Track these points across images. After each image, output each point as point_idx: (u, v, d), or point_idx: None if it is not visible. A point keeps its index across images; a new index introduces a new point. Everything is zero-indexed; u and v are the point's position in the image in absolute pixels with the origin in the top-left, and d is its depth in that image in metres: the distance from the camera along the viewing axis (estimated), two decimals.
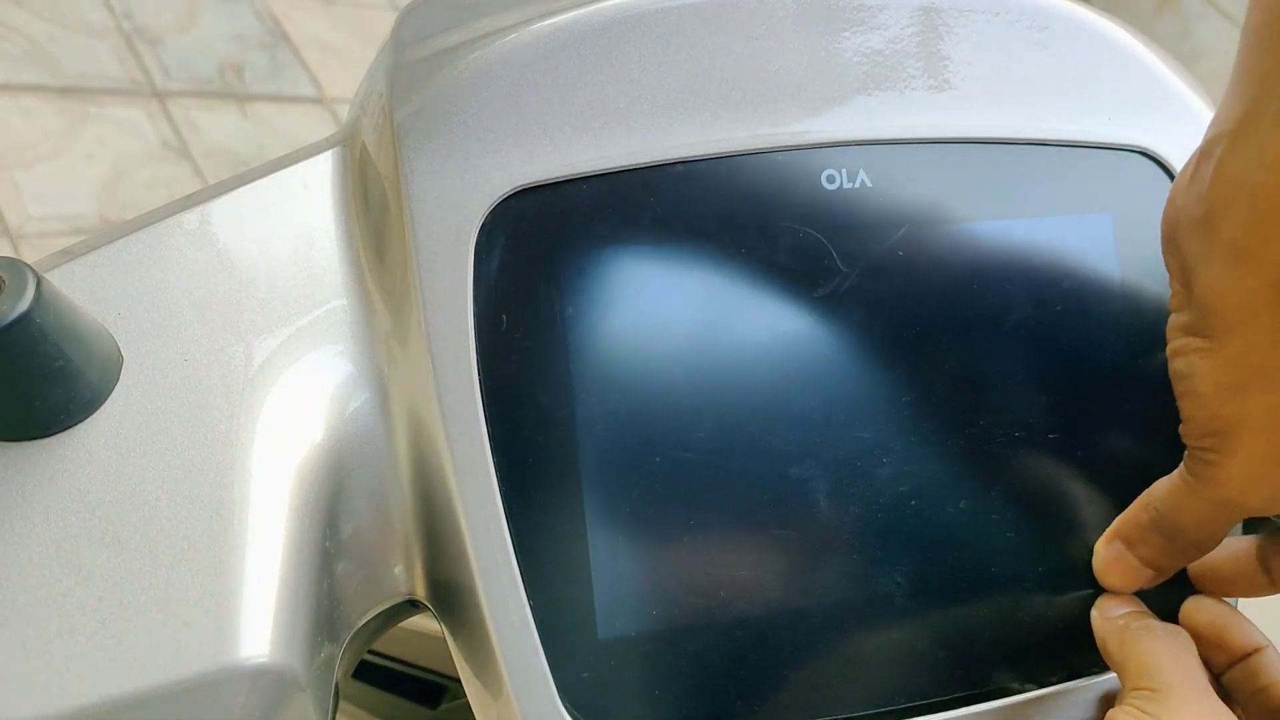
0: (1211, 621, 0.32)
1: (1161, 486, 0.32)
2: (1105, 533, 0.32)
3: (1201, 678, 0.30)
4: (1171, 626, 0.31)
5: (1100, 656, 0.32)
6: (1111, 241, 0.32)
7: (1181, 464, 0.31)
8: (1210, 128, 0.28)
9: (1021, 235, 0.33)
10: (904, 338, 0.31)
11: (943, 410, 0.32)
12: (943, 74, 0.32)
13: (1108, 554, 0.32)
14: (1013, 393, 0.32)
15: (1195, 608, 0.33)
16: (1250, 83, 0.27)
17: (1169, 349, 0.31)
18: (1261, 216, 0.26)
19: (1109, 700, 0.33)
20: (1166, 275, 0.31)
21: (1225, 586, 0.33)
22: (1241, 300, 0.27)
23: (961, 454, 0.32)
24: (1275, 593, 0.33)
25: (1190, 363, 0.29)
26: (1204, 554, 0.32)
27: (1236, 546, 0.33)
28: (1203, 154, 0.28)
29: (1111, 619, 0.32)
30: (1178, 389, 0.30)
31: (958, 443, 0.32)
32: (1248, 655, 0.32)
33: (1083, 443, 0.33)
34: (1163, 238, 0.31)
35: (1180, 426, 0.31)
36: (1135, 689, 0.29)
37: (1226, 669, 0.32)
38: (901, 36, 0.32)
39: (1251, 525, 0.35)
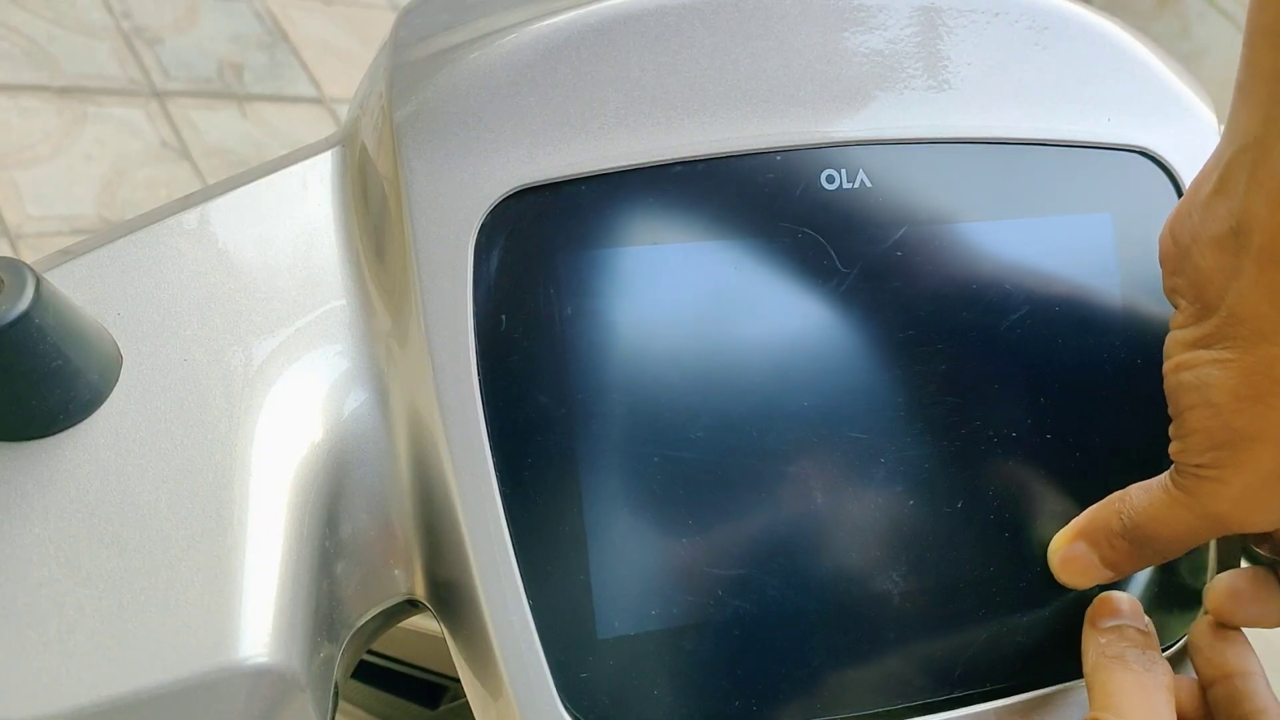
0: (1212, 634, 0.32)
1: (1139, 498, 0.31)
2: (1065, 530, 0.32)
3: (1166, 717, 0.29)
4: (1151, 657, 0.30)
5: None
6: (1111, 242, 0.32)
7: (1165, 477, 0.31)
8: (1227, 141, 0.28)
9: (1021, 235, 0.33)
10: (903, 338, 0.31)
11: (942, 411, 0.32)
12: (943, 74, 0.32)
13: (1068, 552, 0.32)
14: (1011, 394, 0.32)
15: (1200, 625, 0.33)
16: (1264, 83, 0.26)
17: (1171, 364, 0.30)
18: None
19: None
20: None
21: (1253, 619, 0.32)
22: (1276, 305, 0.27)
23: (959, 455, 0.32)
24: None
25: (1205, 374, 0.29)
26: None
27: (1260, 577, 0.33)
28: (1229, 166, 0.28)
29: (1094, 635, 0.31)
30: (1185, 402, 0.30)
31: (956, 444, 0.32)
32: (1234, 676, 0.31)
33: (1083, 445, 0.33)
34: (1169, 256, 0.30)
35: (1174, 444, 0.30)
36: (1093, 717, 0.29)
37: (1212, 684, 0.32)
38: (901, 36, 0.32)
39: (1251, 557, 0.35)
